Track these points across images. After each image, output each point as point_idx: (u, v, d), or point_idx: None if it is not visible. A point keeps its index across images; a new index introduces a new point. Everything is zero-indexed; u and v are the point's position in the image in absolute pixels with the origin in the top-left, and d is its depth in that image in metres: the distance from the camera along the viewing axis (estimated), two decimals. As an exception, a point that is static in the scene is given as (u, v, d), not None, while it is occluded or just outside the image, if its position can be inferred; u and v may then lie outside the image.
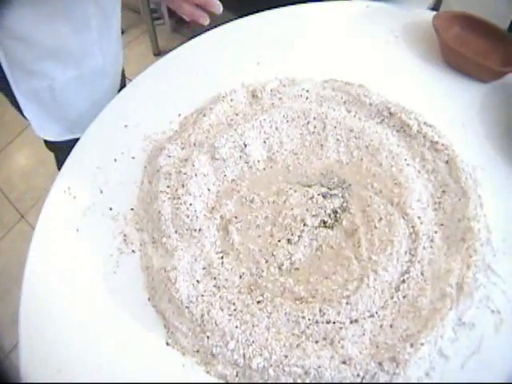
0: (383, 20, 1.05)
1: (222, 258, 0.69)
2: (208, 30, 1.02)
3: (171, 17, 2.34)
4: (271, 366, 0.59)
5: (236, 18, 1.05)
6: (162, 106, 0.89)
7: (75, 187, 0.78)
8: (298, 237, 0.71)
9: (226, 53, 0.98)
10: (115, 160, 0.81)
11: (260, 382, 0.60)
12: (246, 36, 1.02)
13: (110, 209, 0.75)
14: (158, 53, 2.23)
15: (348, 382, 0.58)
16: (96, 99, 0.98)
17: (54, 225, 0.74)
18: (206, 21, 0.89)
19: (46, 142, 1.09)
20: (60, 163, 0.87)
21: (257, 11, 1.06)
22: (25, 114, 0.99)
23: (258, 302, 0.65)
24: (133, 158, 0.82)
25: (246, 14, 1.06)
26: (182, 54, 0.99)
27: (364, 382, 0.59)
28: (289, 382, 0.59)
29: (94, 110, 0.88)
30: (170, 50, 0.99)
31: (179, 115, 0.87)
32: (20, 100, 0.95)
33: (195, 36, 1.02)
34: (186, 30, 1.95)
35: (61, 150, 1.00)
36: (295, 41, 1.00)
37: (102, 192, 0.77)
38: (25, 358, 0.63)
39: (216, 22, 1.03)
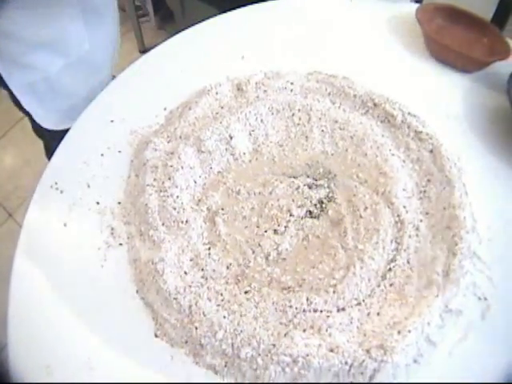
0: (367, 13, 1.05)
1: (209, 249, 0.69)
2: (192, 25, 1.02)
3: (156, 14, 2.34)
4: (259, 355, 0.59)
5: (220, 13, 1.05)
6: (147, 101, 0.89)
7: (62, 182, 0.78)
8: (285, 227, 0.71)
9: (211, 47, 0.98)
10: (102, 155, 0.81)
11: (249, 371, 0.60)
12: (231, 30, 1.02)
13: (97, 203, 0.75)
14: (144, 50, 2.22)
15: (336, 369, 0.59)
16: (92, 87, 1.00)
17: (42, 219, 0.74)
18: None
19: (33, 128, 1.10)
20: (48, 151, 0.87)
21: (240, 6, 1.06)
22: (24, 106, 1.00)
23: (246, 292, 0.65)
24: (119, 152, 0.81)
25: (230, 9, 1.06)
26: (167, 48, 0.99)
27: (352, 369, 0.59)
28: (277, 370, 0.59)
29: (91, 97, 0.89)
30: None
31: (165, 109, 0.87)
32: (16, 94, 0.96)
33: (180, 31, 1.02)
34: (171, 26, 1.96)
35: (50, 137, 1.01)
36: (279, 34, 1.01)
37: (89, 186, 0.77)
38: (13, 354, 0.63)
39: (200, 17, 1.04)
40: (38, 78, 0.95)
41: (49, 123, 1.06)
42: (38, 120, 1.04)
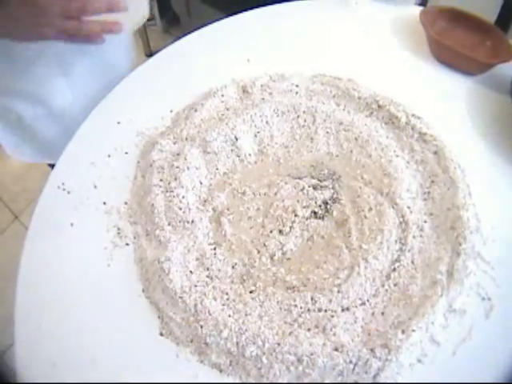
0: (372, 16, 1.06)
1: (215, 249, 0.70)
2: (198, 28, 1.03)
3: (162, 18, 2.35)
4: (264, 353, 0.60)
5: (225, 17, 1.06)
6: (154, 103, 0.89)
7: (69, 182, 0.78)
8: (290, 227, 0.72)
9: (217, 50, 0.99)
10: (109, 155, 0.82)
11: (253, 370, 0.60)
12: (236, 34, 1.03)
13: (104, 203, 0.76)
14: (150, 53, 2.23)
15: (341, 368, 0.59)
16: (69, 132, 0.90)
17: (49, 219, 0.75)
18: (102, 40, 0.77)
19: None
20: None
21: (245, 10, 1.07)
22: None
23: (251, 292, 0.66)
24: (126, 153, 0.82)
25: (235, 13, 1.07)
26: (174, 52, 1.00)
27: (357, 368, 0.59)
28: (282, 369, 0.60)
29: (66, 140, 0.85)
30: (162, 51, 1.00)
31: (171, 111, 0.87)
32: None
33: (186, 35, 1.03)
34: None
35: None
36: (284, 38, 1.01)
37: (95, 187, 0.78)
38: (20, 352, 0.64)
39: (206, 21, 1.05)
40: (13, 117, 0.94)
41: (18, 155, 1.04)
42: (6, 150, 1.02)
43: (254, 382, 0.60)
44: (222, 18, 1.06)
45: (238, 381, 0.61)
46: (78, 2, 0.70)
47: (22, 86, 0.88)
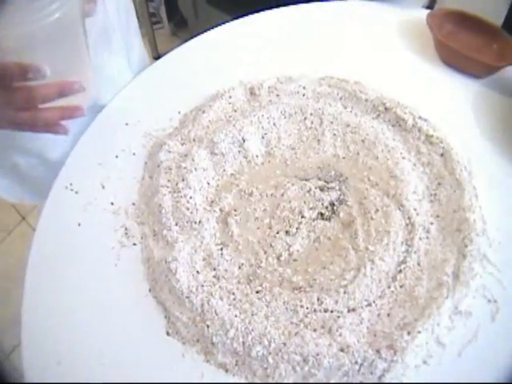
0: (378, 19, 1.06)
1: (222, 249, 0.70)
2: (206, 31, 1.04)
3: (170, 21, 2.36)
4: (270, 353, 0.60)
5: (232, 20, 1.07)
6: (161, 104, 0.90)
7: (77, 183, 0.79)
8: (296, 229, 0.72)
9: (224, 52, 1.00)
10: (116, 156, 0.82)
11: (259, 370, 0.61)
12: (243, 36, 1.04)
13: (112, 203, 0.76)
14: (158, 56, 2.24)
15: (346, 369, 0.59)
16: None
17: (57, 219, 0.75)
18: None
19: None
20: None
21: (252, 12, 1.08)
22: None
23: (257, 292, 0.66)
24: (133, 154, 0.83)
25: (243, 16, 1.07)
26: (181, 53, 1.01)
27: (362, 369, 0.60)
28: (288, 369, 0.60)
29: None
30: (170, 54, 1.00)
31: (179, 113, 0.88)
32: None
33: (193, 38, 1.03)
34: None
35: None
36: (291, 40, 1.02)
37: (103, 187, 0.78)
38: (26, 351, 0.64)
39: (214, 23, 1.05)
40: (7, 164, 0.91)
41: (8, 196, 1.00)
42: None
43: (259, 381, 0.60)
44: (228, 21, 1.06)
45: (243, 381, 0.61)
46: (22, 91, 0.61)
47: (20, 141, 0.86)
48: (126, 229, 0.74)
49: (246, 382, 0.61)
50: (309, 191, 0.76)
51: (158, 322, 0.65)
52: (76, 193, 0.78)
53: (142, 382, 0.61)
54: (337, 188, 0.77)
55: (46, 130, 0.67)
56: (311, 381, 0.60)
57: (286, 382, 0.60)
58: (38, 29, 0.55)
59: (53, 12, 0.55)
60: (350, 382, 0.59)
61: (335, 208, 0.75)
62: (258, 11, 1.08)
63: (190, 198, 0.73)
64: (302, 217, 0.73)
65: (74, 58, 0.66)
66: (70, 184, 0.79)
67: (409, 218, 0.71)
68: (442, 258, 0.68)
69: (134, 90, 0.94)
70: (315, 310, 0.64)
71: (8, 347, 1.47)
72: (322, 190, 0.76)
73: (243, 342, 0.61)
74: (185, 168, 0.76)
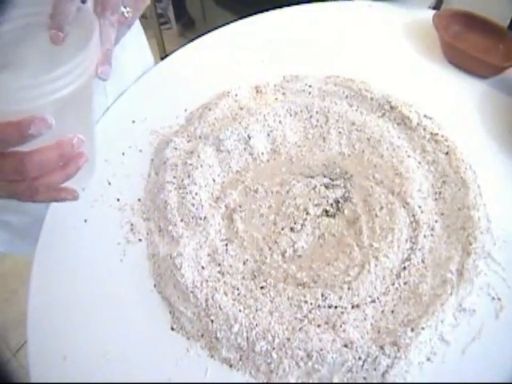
0: (385, 19, 1.06)
1: (227, 245, 0.70)
2: (212, 30, 1.04)
3: (178, 21, 2.37)
4: (274, 349, 0.60)
5: (238, 19, 1.07)
6: (168, 103, 0.90)
7: (83, 180, 0.79)
8: (301, 225, 0.73)
9: (231, 52, 1.00)
10: (123, 153, 0.83)
11: (263, 365, 0.61)
12: (250, 35, 1.04)
13: (118, 200, 0.77)
14: (165, 57, 2.23)
15: (350, 364, 0.60)
16: None
17: (63, 215, 0.76)
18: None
19: None
20: None
21: (259, 12, 1.08)
22: None
23: (262, 288, 0.66)
24: (140, 151, 0.83)
25: (248, 15, 1.08)
26: (188, 53, 1.01)
27: (365, 365, 0.60)
28: (291, 364, 0.60)
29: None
30: (177, 55, 1.01)
31: (185, 110, 0.88)
32: None
33: (200, 37, 1.04)
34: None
35: None
36: (298, 39, 1.02)
37: (109, 184, 0.79)
38: (32, 346, 0.64)
39: (221, 24, 1.06)
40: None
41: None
42: None
43: (263, 376, 0.61)
44: (234, 21, 1.07)
45: (247, 376, 0.61)
46: (12, 159, 0.50)
47: (15, 202, 0.84)
48: (131, 225, 0.74)
49: (250, 377, 0.61)
50: (314, 188, 0.76)
51: (162, 318, 0.65)
52: (82, 189, 0.78)
53: (147, 377, 0.61)
54: (342, 185, 0.77)
55: (51, 199, 0.59)
56: (315, 376, 0.60)
57: (289, 377, 0.60)
58: (49, 103, 0.48)
59: (66, 85, 0.48)
60: (353, 377, 0.59)
61: (340, 205, 0.75)
62: (264, 11, 1.08)
63: (196, 194, 0.74)
64: (307, 213, 0.73)
65: (80, 130, 0.56)
66: (77, 181, 0.79)
67: (413, 216, 0.71)
68: (446, 255, 0.69)
69: (141, 88, 0.94)
70: (319, 306, 0.64)
71: (15, 345, 1.48)
72: (327, 187, 0.76)
73: (247, 338, 0.61)
74: (191, 165, 0.76)
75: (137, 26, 1.02)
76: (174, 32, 2.36)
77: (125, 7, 0.64)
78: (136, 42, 1.02)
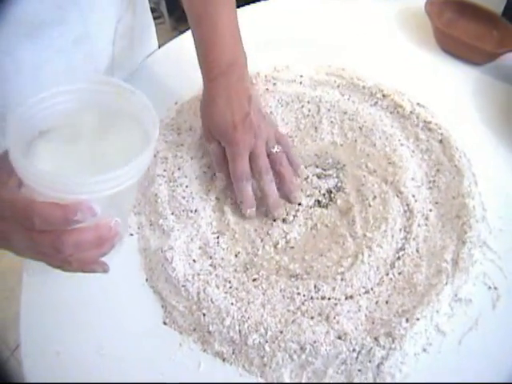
0: (377, 6, 1.05)
1: (218, 237, 0.70)
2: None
3: (171, 15, 2.36)
4: (267, 342, 0.60)
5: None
6: (159, 95, 0.89)
7: (74, 175, 0.79)
8: (293, 216, 0.72)
9: (222, 43, 0.99)
10: (113, 148, 0.82)
11: (256, 358, 0.60)
12: (241, 26, 1.03)
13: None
14: (158, 51, 2.23)
15: (344, 356, 0.59)
16: None
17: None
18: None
19: None
20: None
21: (249, 3, 1.07)
22: None
23: (254, 280, 0.66)
24: (130, 145, 0.82)
25: (239, 6, 1.07)
26: (178, 45, 1.00)
27: (360, 356, 0.59)
28: (285, 357, 0.59)
29: None
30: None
31: (176, 103, 0.87)
32: None
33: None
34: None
35: None
36: (289, 30, 1.01)
37: (100, 179, 0.78)
38: (24, 341, 0.64)
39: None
40: None
41: None
42: None
43: (257, 370, 0.60)
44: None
45: (240, 369, 0.60)
46: (50, 235, 0.49)
47: None
48: (122, 219, 0.73)
49: (244, 370, 0.60)
50: (306, 179, 0.75)
51: (155, 312, 0.65)
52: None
53: (140, 372, 0.61)
54: (334, 175, 0.76)
55: (81, 271, 0.57)
56: (309, 369, 0.59)
57: (283, 370, 0.59)
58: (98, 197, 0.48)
59: (118, 185, 0.48)
60: (348, 369, 0.59)
61: (333, 195, 0.74)
62: (256, 1, 1.07)
63: (186, 187, 0.73)
64: (299, 204, 0.73)
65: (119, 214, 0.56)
66: (67, 176, 0.78)
67: (407, 205, 0.71)
68: (441, 244, 0.68)
69: (132, 82, 0.92)
70: (312, 298, 0.64)
71: (13, 344, 1.48)
72: (319, 177, 0.76)
73: (240, 331, 0.61)
74: (181, 157, 0.75)
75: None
76: (167, 26, 2.35)
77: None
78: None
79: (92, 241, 0.51)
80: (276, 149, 0.72)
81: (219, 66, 0.72)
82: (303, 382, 0.59)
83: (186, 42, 0.99)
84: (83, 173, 0.50)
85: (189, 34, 1.00)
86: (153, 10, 1.90)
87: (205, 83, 0.74)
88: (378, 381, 0.58)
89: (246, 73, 0.74)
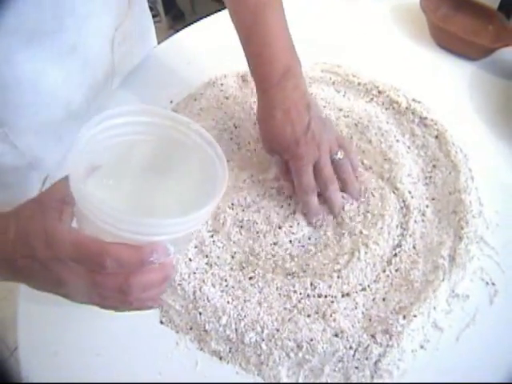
0: (372, 2, 1.04)
1: (213, 236, 0.70)
2: (198, 20, 1.03)
3: (167, 14, 2.35)
4: (263, 340, 0.60)
5: (224, 8, 1.06)
6: (154, 94, 0.89)
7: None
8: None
9: (217, 41, 0.98)
10: (109, 147, 0.82)
11: (253, 356, 0.60)
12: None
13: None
14: (154, 50, 2.23)
15: (341, 354, 0.59)
16: None
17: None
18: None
19: None
20: None
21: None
22: None
23: (250, 278, 0.66)
24: (126, 145, 0.82)
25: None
26: (174, 43, 1.00)
27: (357, 354, 0.59)
28: (282, 355, 0.59)
29: None
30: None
31: (171, 102, 0.87)
32: None
33: (185, 27, 1.03)
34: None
35: None
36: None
37: (95, 179, 0.78)
38: (22, 342, 0.64)
39: (205, 12, 1.04)
40: None
41: None
42: None
43: (254, 368, 0.60)
44: (220, 10, 1.05)
45: (237, 368, 0.61)
46: (118, 276, 0.48)
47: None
48: (119, 219, 0.73)
49: (241, 369, 0.61)
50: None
51: (151, 311, 0.65)
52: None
53: (138, 371, 0.61)
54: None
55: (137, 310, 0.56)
56: (306, 367, 0.59)
57: (280, 368, 0.59)
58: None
59: (190, 228, 0.48)
60: (345, 366, 0.59)
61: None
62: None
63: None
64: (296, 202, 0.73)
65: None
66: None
67: (403, 201, 0.71)
68: (437, 240, 0.68)
69: (127, 82, 0.93)
70: (308, 296, 0.64)
71: (12, 344, 1.47)
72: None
73: (236, 329, 0.61)
74: (176, 156, 0.75)
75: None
76: (164, 25, 2.34)
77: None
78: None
79: (158, 281, 0.50)
80: (339, 155, 0.70)
81: (273, 76, 0.70)
82: (300, 379, 0.59)
83: (180, 40, 0.99)
84: (148, 208, 0.50)
85: (183, 32, 1.01)
86: (149, 9, 1.89)
87: (259, 95, 0.72)
88: (375, 378, 0.58)
89: (302, 80, 0.72)
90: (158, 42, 1.04)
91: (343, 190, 0.71)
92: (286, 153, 0.69)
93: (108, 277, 0.47)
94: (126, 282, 0.47)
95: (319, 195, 0.70)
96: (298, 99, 0.69)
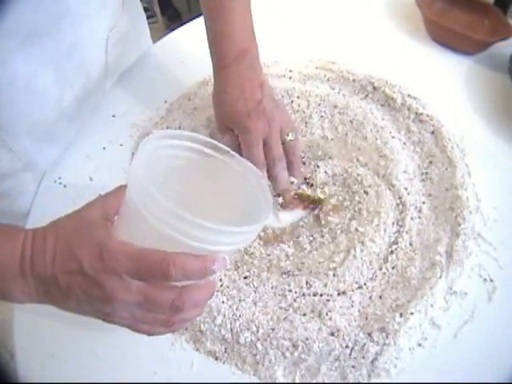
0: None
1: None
2: (192, 19, 1.02)
3: (164, 15, 2.35)
4: (259, 339, 0.60)
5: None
6: (148, 95, 0.89)
7: (65, 176, 0.79)
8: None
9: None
10: (104, 148, 0.82)
11: (249, 356, 0.60)
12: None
13: (100, 195, 0.75)
14: (151, 51, 2.24)
15: (337, 353, 0.58)
16: None
17: (46, 213, 0.74)
18: None
19: None
20: None
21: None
22: None
23: (245, 278, 0.65)
24: (121, 145, 0.82)
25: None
26: (168, 43, 1.00)
27: (353, 353, 0.59)
28: (277, 355, 0.59)
29: None
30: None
31: (165, 102, 0.87)
32: None
33: (179, 27, 1.03)
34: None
35: None
36: (277, 24, 0.99)
37: (91, 180, 0.78)
38: (19, 343, 0.64)
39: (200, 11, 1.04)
40: None
41: None
42: None
43: (249, 368, 0.60)
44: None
45: (233, 368, 0.60)
46: (171, 292, 0.47)
47: None
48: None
49: (236, 369, 0.60)
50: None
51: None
52: (64, 186, 0.78)
53: (134, 372, 0.61)
54: (325, 169, 0.75)
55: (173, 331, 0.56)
56: (302, 366, 0.59)
57: (276, 367, 0.59)
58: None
59: (245, 241, 0.49)
60: (341, 365, 0.58)
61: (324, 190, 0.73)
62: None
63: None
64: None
65: None
66: (59, 178, 0.79)
67: (400, 198, 0.70)
68: (434, 237, 0.67)
69: (121, 82, 0.93)
70: (304, 294, 0.63)
71: (12, 347, 1.47)
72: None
73: (231, 329, 0.60)
74: (171, 156, 0.75)
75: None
76: (160, 25, 2.35)
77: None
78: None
79: (205, 299, 0.50)
80: (290, 137, 0.71)
81: (230, 54, 0.72)
82: (297, 379, 0.59)
83: (174, 40, 0.99)
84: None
85: (177, 32, 1.00)
86: (145, 10, 1.89)
87: (215, 73, 0.74)
88: (372, 377, 0.58)
89: (258, 62, 0.74)
90: (155, 42, 1.04)
91: (289, 172, 0.72)
92: (237, 126, 0.70)
93: (161, 293, 0.47)
94: (179, 298, 0.47)
95: None
96: (252, 78, 0.72)
